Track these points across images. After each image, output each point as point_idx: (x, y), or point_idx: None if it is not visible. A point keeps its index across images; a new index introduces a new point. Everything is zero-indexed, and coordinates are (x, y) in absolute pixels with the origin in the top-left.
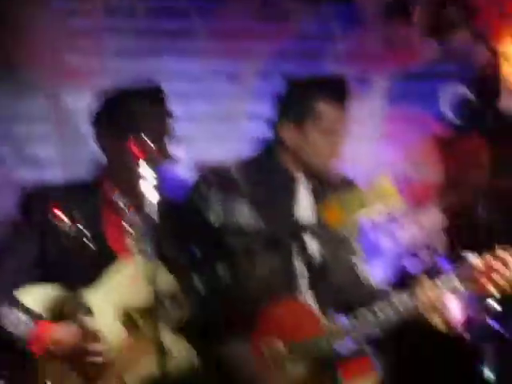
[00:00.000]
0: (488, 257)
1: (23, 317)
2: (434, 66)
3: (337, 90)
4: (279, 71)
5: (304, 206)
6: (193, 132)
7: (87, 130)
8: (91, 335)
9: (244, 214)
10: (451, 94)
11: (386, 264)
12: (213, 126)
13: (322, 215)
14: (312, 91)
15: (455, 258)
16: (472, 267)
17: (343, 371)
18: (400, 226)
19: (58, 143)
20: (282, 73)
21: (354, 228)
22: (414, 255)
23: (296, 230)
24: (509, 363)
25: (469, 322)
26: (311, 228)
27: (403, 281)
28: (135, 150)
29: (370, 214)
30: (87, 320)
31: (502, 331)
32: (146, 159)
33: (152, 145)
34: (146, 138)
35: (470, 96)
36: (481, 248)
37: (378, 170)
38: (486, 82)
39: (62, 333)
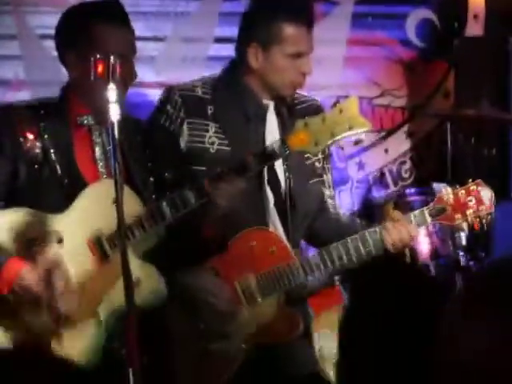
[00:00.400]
0: (460, 191)
1: None
2: None
3: (303, 12)
4: None
5: (273, 134)
6: (158, 53)
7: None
8: (58, 273)
9: (212, 138)
10: (417, 19)
11: (351, 191)
12: (179, 47)
13: (290, 142)
14: (278, 13)
15: (425, 189)
16: (444, 201)
17: (313, 305)
18: (367, 152)
19: (26, 64)
20: None
21: (323, 155)
22: (381, 183)
23: (266, 157)
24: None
25: (436, 254)
26: (281, 155)
27: (369, 209)
28: (99, 68)
29: (339, 140)
30: (55, 247)
31: (468, 264)
32: (110, 79)
33: (116, 63)
34: (110, 57)
35: (436, 21)
36: (448, 177)
37: (342, 95)
38: (452, 8)
39: (28, 274)
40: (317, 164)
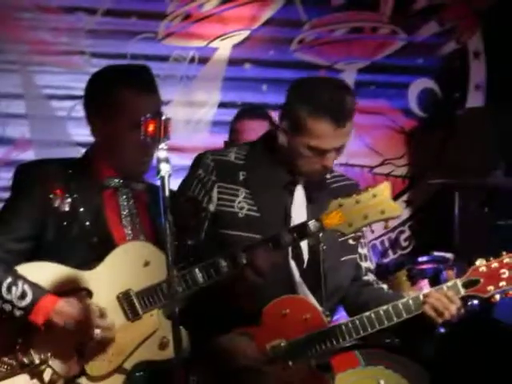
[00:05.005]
0: (493, 263)
1: (28, 289)
2: (401, 59)
3: (333, 111)
4: None
5: (299, 208)
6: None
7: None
8: (96, 311)
9: (242, 203)
10: (418, 88)
11: None
12: (183, 110)
13: (325, 221)
14: (306, 106)
15: (437, 257)
16: (477, 272)
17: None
18: None
19: (32, 123)
20: None
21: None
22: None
23: (301, 234)
24: None
25: None
26: (316, 234)
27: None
28: (150, 127)
29: (371, 223)
30: (88, 300)
31: None
32: (162, 137)
33: (168, 122)
34: (161, 116)
35: (437, 91)
36: (455, 246)
37: (343, 162)
38: (454, 78)
39: (67, 305)
40: (351, 241)
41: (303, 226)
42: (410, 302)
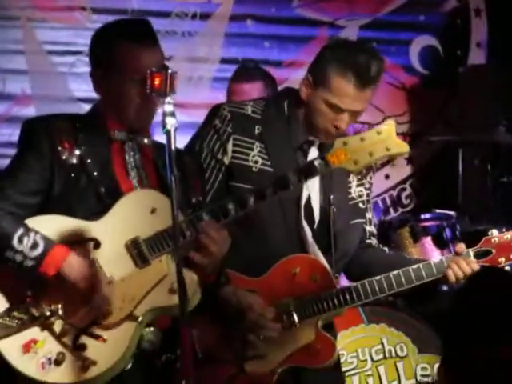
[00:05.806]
0: (506, 235)
1: (40, 240)
2: (403, 16)
3: (363, 73)
4: None
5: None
6: None
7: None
8: (103, 276)
9: (256, 157)
10: (420, 45)
11: None
12: (184, 66)
13: (330, 159)
14: (335, 62)
15: (441, 214)
16: (490, 243)
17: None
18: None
19: (33, 79)
20: None
21: (367, 197)
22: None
23: (307, 173)
24: None
25: None
26: (321, 171)
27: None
28: (156, 81)
29: (377, 160)
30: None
31: None
32: (168, 91)
33: (174, 76)
34: (168, 69)
35: (439, 48)
36: (458, 203)
37: None
38: (455, 35)
39: (76, 258)
40: (361, 205)
41: (309, 164)
42: (433, 265)
